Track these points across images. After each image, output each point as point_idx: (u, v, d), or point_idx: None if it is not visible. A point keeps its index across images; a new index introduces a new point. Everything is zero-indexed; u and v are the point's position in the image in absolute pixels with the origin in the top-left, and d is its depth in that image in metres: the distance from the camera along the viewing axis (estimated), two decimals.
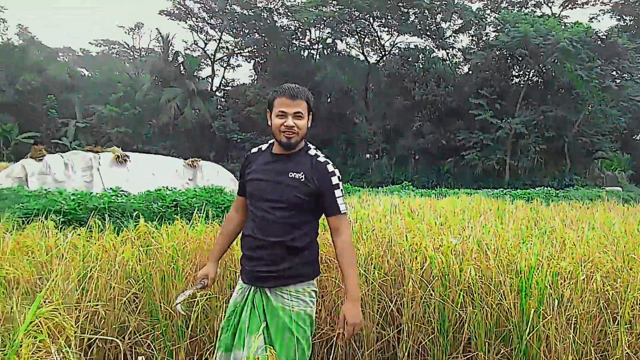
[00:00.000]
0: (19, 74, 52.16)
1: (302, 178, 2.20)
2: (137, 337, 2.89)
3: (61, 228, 4.15)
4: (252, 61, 49.47)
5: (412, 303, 3.40)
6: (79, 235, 3.41)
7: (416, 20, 37.75)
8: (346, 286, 2.25)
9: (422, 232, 4.02)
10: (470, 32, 38.95)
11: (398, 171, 36.16)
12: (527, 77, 34.92)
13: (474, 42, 39.03)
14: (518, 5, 39.98)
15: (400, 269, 3.58)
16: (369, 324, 3.46)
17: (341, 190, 2.25)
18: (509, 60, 33.56)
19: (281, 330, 2.18)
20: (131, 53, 70.22)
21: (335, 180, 2.23)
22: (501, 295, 3.21)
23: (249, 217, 2.35)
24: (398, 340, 3.48)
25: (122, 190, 7.87)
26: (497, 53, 32.60)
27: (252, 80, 52.03)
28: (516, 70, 35.53)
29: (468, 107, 31.81)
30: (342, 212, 2.23)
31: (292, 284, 2.25)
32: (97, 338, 2.64)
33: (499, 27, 33.95)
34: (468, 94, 33.18)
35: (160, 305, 3.02)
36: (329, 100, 44.95)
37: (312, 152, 2.30)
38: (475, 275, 3.21)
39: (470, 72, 36.79)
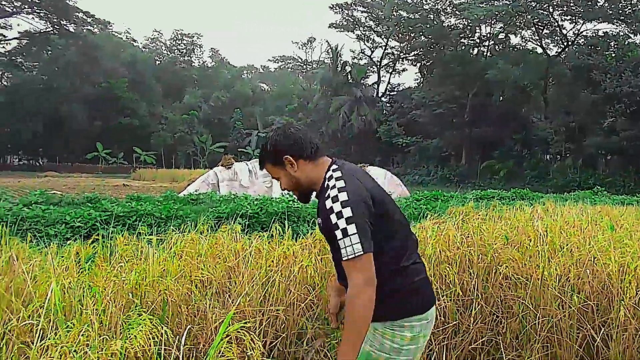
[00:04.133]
0: (212, 92, 59.93)
1: (321, 223, 1.87)
2: (313, 343, 2.91)
3: (246, 231, 4.48)
4: (418, 64, 49.03)
5: (623, 335, 2.85)
6: (262, 239, 3.61)
7: (606, 5, 33.24)
8: (339, 346, 1.78)
9: (632, 249, 3.37)
10: None
11: (585, 174, 32.15)
12: None
13: None
14: None
15: (606, 294, 3.03)
16: (565, 354, 3.00)
17: (342, 229, 1.70)
18: None
19: None
20: (304, 66, 75.26)
21: (334, 218, 1.73)
22: None
23: None
24: None
25: None
26: None
27: (417, 83, 51.56)
28: None
29: None
30: (343, 258, 1.70)
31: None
32: (278, 342, 2.74)
33: None
34: None
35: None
36: (501, 98, 42.17)
37: (324, 187, 1.87)
38: None
39: None
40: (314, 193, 1.95)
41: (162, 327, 1.59)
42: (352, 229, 1.67)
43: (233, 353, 1.39)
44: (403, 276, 1.87)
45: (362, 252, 1.65)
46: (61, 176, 39.33)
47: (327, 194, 1.79)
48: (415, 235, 2.08)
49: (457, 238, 3.71)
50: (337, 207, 1.72)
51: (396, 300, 1.85)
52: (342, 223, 1.69)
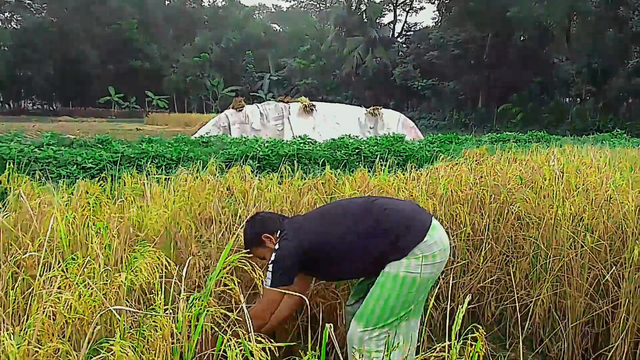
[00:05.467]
0: (223, 33, 58.53)
1: None
2: (321, 284, 2.93)
3: (256, 173, 4.45)
4: (436, 2, 47.01)
5: (635, 275, 2.81)
6: (272, 179, 3.58)
7: None
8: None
9: None
10: None
11: (605, 117, 31.29)
12: None
13: None
14: None
15: (620, 234, 2.97)
16: (574, 292, 2.98)
17: (271, 269, 2.24)
18: None
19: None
20: (317, 5, 72.75)
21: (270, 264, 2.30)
22: None
23: None
24: (612, 316, 2.94)
25: (310, 139, 8.23)
26: None
27: (435, 22, 49.72)
28: None
29: None
30: (264, 285, 2.19)
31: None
32: None
33: None
34: None
35: None
36: (522, 38, 40.57)
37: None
38: None
39: None
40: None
41: (165, 259, 1.59)
42: (270, 268, 2.22)
43: (234, 282, 1.39)
44: (386, 224, 2.27)
45: (268, 285, 2.18)
46: (75, 120, 39.57)
47: None
48: (377, 197, 2.72)
49: (469, 179, 3.65)
50: (274, 262, 2.23)
51: (399, 246, 2.22)
52: (272, 266, 2.22)
